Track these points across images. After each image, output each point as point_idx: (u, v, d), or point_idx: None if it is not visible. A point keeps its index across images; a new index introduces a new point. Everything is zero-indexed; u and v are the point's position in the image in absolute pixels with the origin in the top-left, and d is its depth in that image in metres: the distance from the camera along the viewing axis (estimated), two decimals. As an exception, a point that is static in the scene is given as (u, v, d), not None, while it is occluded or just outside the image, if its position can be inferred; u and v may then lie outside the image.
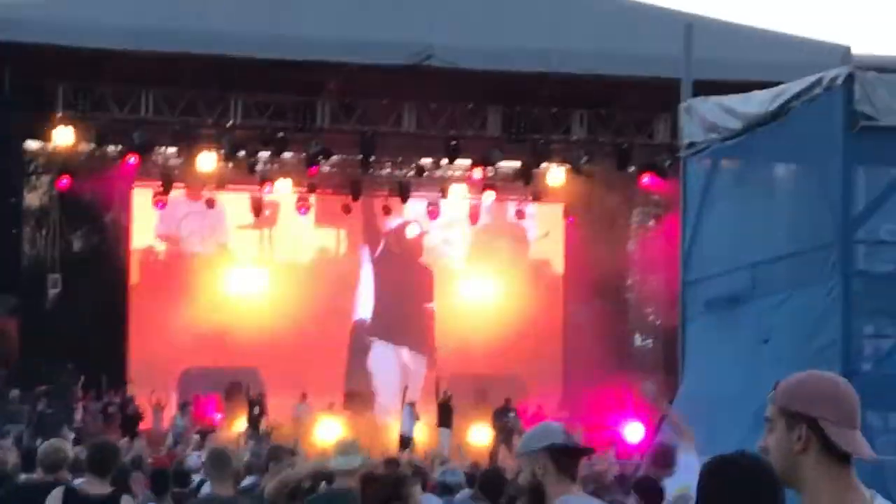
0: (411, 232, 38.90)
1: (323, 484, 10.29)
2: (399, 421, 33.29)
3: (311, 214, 37.15)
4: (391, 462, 13.09)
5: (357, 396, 35.59)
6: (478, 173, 34.60)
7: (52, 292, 34.27)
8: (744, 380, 13.69)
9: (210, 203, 36.12)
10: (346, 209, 36.81)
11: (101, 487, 8.81)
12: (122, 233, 37.05)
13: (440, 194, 36.36)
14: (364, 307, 38.82)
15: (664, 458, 10.81)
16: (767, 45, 29.10)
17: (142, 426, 32.08)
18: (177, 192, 35.68)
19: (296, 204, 36.21)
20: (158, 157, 34.35)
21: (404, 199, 36.01)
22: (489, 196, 35.94)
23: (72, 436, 28.04)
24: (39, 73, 29.86)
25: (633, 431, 31.64)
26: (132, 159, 32.42)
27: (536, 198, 36.81)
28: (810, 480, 3.77)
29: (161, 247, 38.08)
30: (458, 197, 36.33)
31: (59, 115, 30.96)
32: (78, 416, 32.00)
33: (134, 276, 37.32)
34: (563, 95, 31.53)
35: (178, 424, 31.88)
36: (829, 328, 13.14)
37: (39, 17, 28.14)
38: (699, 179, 16.47)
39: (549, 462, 6.25)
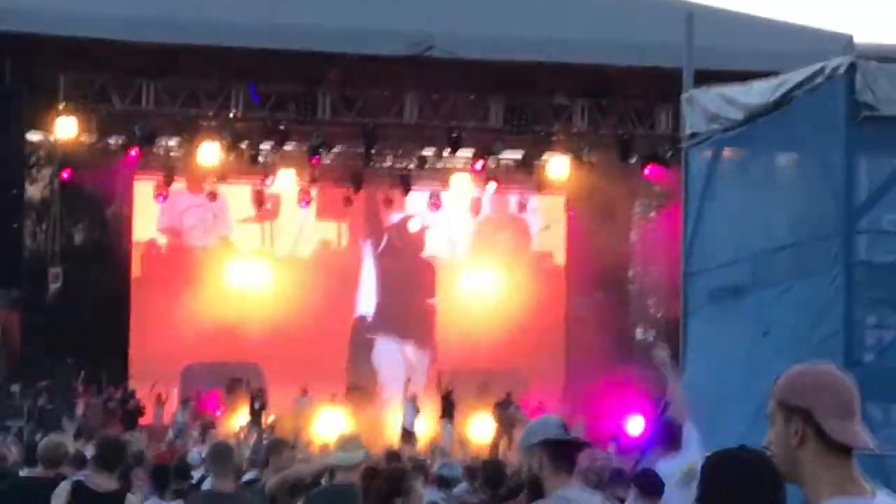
0: (413, 226, 38.87)
1: (324, 479, 10.27)
2: (401, 415, 33.32)
3: (313, 207, 37.13)
4: (393, 456, 13.09)
5: (358, 390, 35.58)
6: (479, 165, 34.57)
7: (53, 286, 34.25)
8: (745, 371, 13.67)
9: (212, 196, 36.10)
10: (348, 202, 36.78)
11: (107, 483, 8.80)
12: (123, 226, 37.04)
13: (442, 186, 36.33)
14: (366, 301, 38.80)
15: (671, 437, 10.80)
16: (769, 35, 29.04)
17: (143, 421, 32.12)
18: (178, 185, 35.67)
19: (297, 196, 36.19)
20: (160, 149, 34.34)
21: (406, 190, 35.98)
22: (491, 187, 35.93)
23: (73, 430, 28.11)
24: (40, 64, 29.83)
25: (635, 424, 31.68)
26: (133, 152, 32.44)
27: (538, 189, 36.80)
28: (810, 473, 3.76)
29: (163, 240, 38.07)
30: (460, 189, 36.30)
31: (61, 106, 30.97)
32: (79, 410, 32.01)
33: (136, 269, 37.32)
34: (564, 85, 31.48)
35: (179, 419, 31.91)
36: (831, 319, 13.11)
37: (40, 8, 28.09)
38: (701, 170, 16.45)
39: (545, 456, 6.25)
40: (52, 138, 32.30)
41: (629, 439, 30.38)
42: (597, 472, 11.30)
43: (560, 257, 39.20)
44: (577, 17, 29.45)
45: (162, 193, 35.60)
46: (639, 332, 38.22)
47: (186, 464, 15.75)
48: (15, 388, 31.66)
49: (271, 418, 32.64)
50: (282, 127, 32.09)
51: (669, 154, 30.54)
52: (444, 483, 11.05)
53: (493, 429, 32.65)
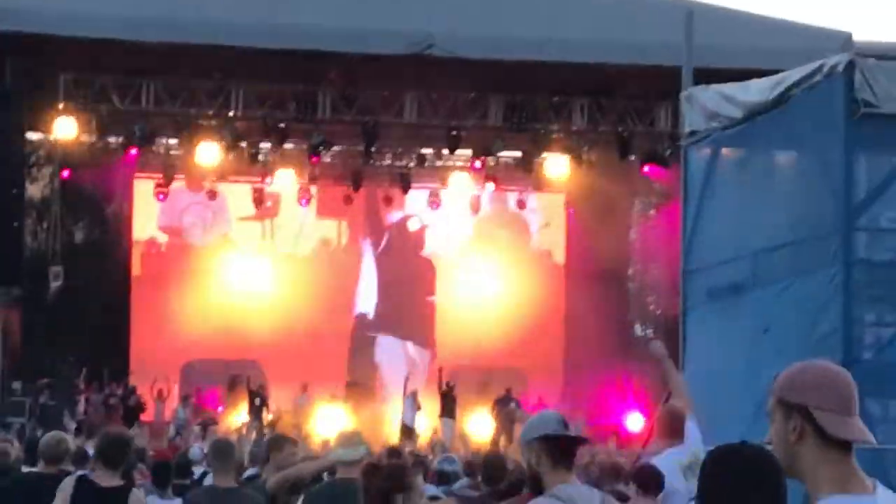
0: (413, 225, 38.87)
1: (325, 475, 10.29)
2: (401, 411, 33.34)
3: (313, 205, 37.14)
4: (393, 452, 13.10)
5: (359, 387, 35.58)
6: (479, 163, 34.58)
7: (54, 284, 34.28)
8: (745, 368, 13.71)
9: (212, 194, 36.10)
10: (348, 200, 36.80)
11: (111, 479, 8.79)
12: (123, 225, 37.03)
13: (441, 184, 36.34)
14: (366, 299, 38.80)
15: (674, 427, 10.81)
16: (768, 32, 29.05)
17: (143, 418, 32.13)
18: (178, 184, 35.68)
19: (297, 195, 36.20)
20: (160, 148, 34.35)
21: (405, 189, 35.99)
22: (490, 186, 35.93)
23: (73, 427, 28.15)
24: (40, 63, 29.85)
25: (635, 420, 31.73)
26: (133, 151, 32.47)
27: (537, 187, 36.81)
28: (809, 469, 3.79)
29: (163, 238, 38.06)
30: (460, 187, 36.31)
31: (61, 106, 30.99)
32: (80, 407, 32.04)
33: (136, 267, 37.32)
34: (563, 84, 31.49)
35: (179, 416, 31.93)
36: (830, 316, 13.13)
37: (41, 8, 28.09)
38: (700, 168, 16.46)
39: (543, 452, 6.28)
40: (52, 138, 32.31)
41: (629, 435, 30.48)
42: (597, 468, 11.33)
43: (559, 255, 39.20)
44: (577, 16, 29.45)
45: (162, 192, 35.60)
46: (638, 330, 38.22)
47: (187, 460, 15.79)
48: (16, 385, 31.67)
49: (271, 416, 32.67)
50: (282, 126, 32.10)
51: (669, 152, 30.55)
52: (444, 478, 11.08)
53: (493, 425, 32.69)
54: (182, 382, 35.19)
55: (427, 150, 34.98)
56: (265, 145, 33.66)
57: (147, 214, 37.29)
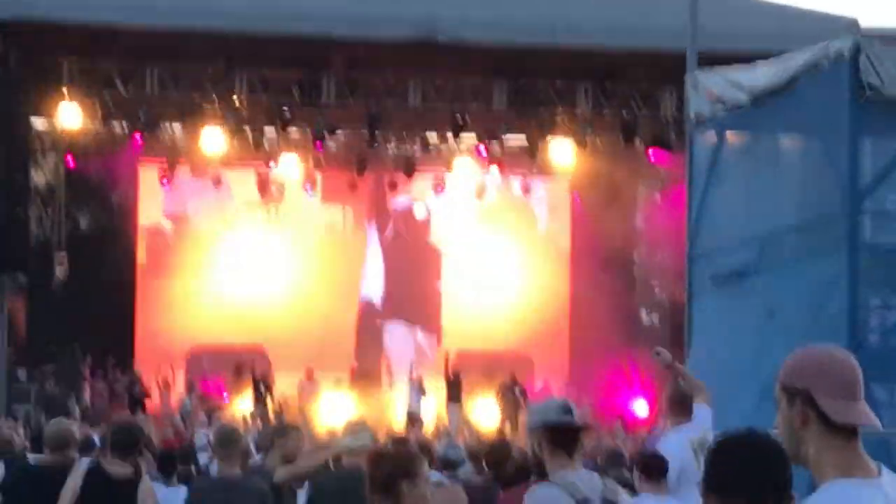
0: (418, 211, 38.86)
1: (330, 463, 10.29)
2: (406, 398, 33.37)
3: (318, 191, 37.14)
4: (399, 441, 13.10)
5: (364, 374, 35.63)
6: (483, 149, 34.55)
7: (59, 271, 34.30)
8: (751, 353, 13.69)
9: (216, 180, 36.11)
10: (352, 185, 36.81)
11: (122, 468, 8.79)
12: (129, 211, 37.03)
13: (446, 170, 36.32)
14: (371, 285, 38.81)
15: (682, 405, 10.81)
16: (773, 17, 28.99)
17: (148, 405, 32.16)
18: (183, 170, 35.68)
19: (302, 181, 36.20)
20: (164, 134, 34.35)
21: (409, 174, 35.96)
22: (495, 171, 35.91)
23: (78, 414, 28.19)
24: (44, 50, 29.85)
25: (640, 406, 31.76)
26: (138, 137, 32.48)
27: (542, 173, 36.77)
28: (814, 454, 3.79)
29: (168, 225, 38.07)
30: (464, 172, 36.27)
31: (65, 93, 30.99)
32: (85, 395, 32.08)
33: (141, 254, 37.34)
34: (568, 69, 31.45)
35: (185, 404, 31.95)
36: (835, 300, 13.11)
37: (43, -6, 28.13)
38: (705, 153, 16.42)
39: (544, 439, 6.28)
40: (56, 124, 32.31)
41: (635, 420, 30.49)
42: (602, 454, 11.34)
43: (564, 240, 39.17)
44: (581, 1, 29.42)
45: (166, 179, 35.62)
46: (644, 315, 38.21)
47: (193, 449, 15.81)
48: (21, 373, 31.71)
49: (276, 403, 32.68)
50: (286, 111, 32.10)
51: (674, 137, 30.52)
52: (449, 464, 11.07)
53: (499, 412, 32.71)
54: (187, 370, 35.22)
55: (431, 136, 34.97)
56: (270, 131, 33.65)
57: (152, 201, 37.31)
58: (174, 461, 12.81)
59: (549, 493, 6.16)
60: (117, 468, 8.78)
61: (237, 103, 31.79)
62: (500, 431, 29.92)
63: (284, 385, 33.79)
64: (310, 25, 28.73)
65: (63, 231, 34.97)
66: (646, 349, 32.94)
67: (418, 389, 33.27)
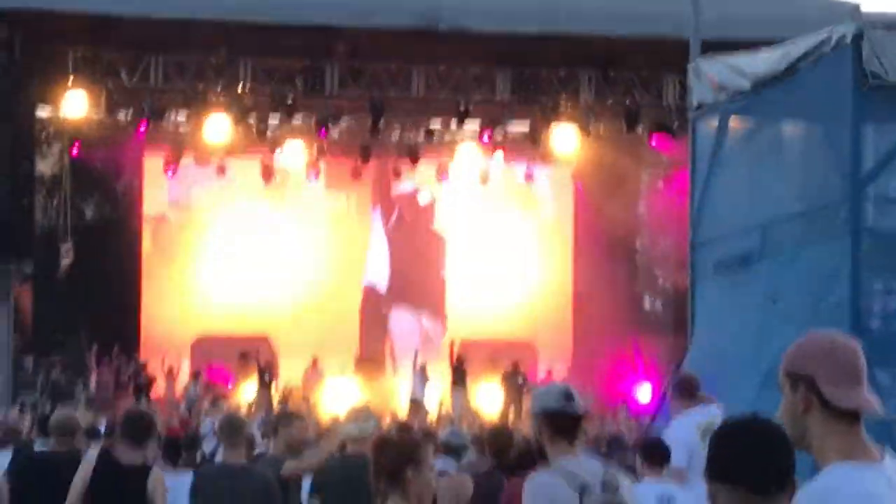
0: (422, 199, 38.83)
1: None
2: (410, 385, 33.39)
3: (322, 179, 37.13)
4: (404, 427, 13.14)
5: (368, 361, 35.62)
6: (486, 136, 34.53)
7: (65, 261, 34.33)
8: (754, 339, 13.74)
9: (220, 169, 36.10)
10: (356, 173, 36.82)
11: (133, 457, 8.79)
12: (133, 200, 37.02)
13: (449, 158, 36.29)
14: (375, 272, 38.80)
15: (688, 388, 10.85)
16: (776, 4, 28.94)
17: (154, 394, 32.20)
18: (187, 159, 35.68)
19: (306, 169, 36.19)
20: (169, 123, 34.35)
21: (413, 163, 35.93)
22: (498, 158, 35.89)
23: (84, 402, 28.25)
24: (49, 40, 29.85)
25: (644, 392, 31.78)
26: (142, 126, 32.49)
27: (545, 160, 36.73)
28: (817, 440, 3.81)
29: (172, 214, 38.06)
30: (468, 161, 36.23)
31: (70, 82, 31.00)
32: (91, 383, 32.11)
33: (146, 243, 37.33)
34: (570, 56, 31.43)
35: (190, 392, 31.99)
36: (838, 286, 13.15)
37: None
38: (708, 140, 16.45)
39: (544, 426, 6.29)
40: (61, 114, 32.32)
41: (639, 406, 30.52)
42: (605, 441, 11.38)
43: (568, 228, 39.13)
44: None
45: (171, 168, 35.62)
46: (647, 302, 38.21)
47: (198, 437, 15.85)
48: (28, 361, 31.78)
49: (281, 391, 32.70)
50: (289, 100, 32.10)
51: (676, 124, 30.51)
52: (452, 450, 11.09)
53: (502, 399, 32.74)
54: (192, 358, 35.24)
55: (435, 124, 34.96)
56: (273, 120, 33.65)
57: (157, 190, 37.29)
58: (179, 448, 12.83)
59: (547, 481, 6.18)
60: (128, 456, 8.78)
61: (241, 92, 31.79)
62: (504, 417, 29.98)
63: (289, 372, 33.82)
64: (313, 14, 28.72)
65: (68, 220, 34.97)
66: (649, 336, 33.10)
67: (422, 376, 33.29)
